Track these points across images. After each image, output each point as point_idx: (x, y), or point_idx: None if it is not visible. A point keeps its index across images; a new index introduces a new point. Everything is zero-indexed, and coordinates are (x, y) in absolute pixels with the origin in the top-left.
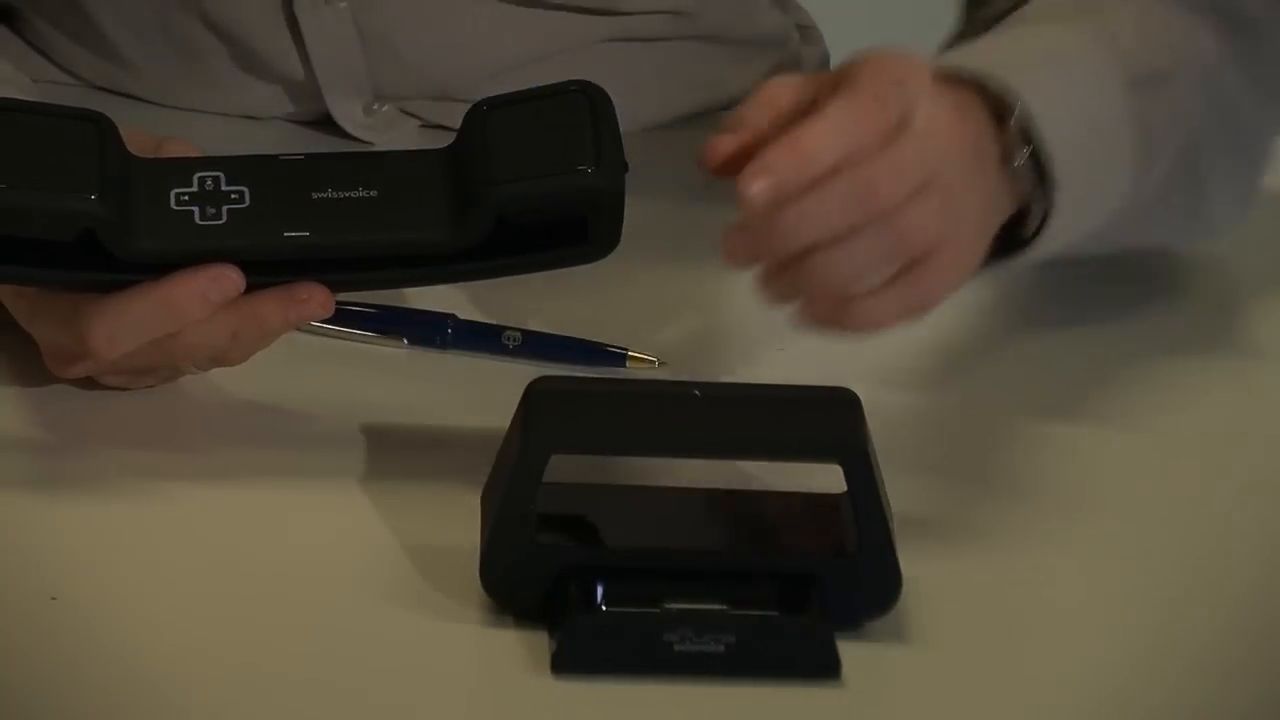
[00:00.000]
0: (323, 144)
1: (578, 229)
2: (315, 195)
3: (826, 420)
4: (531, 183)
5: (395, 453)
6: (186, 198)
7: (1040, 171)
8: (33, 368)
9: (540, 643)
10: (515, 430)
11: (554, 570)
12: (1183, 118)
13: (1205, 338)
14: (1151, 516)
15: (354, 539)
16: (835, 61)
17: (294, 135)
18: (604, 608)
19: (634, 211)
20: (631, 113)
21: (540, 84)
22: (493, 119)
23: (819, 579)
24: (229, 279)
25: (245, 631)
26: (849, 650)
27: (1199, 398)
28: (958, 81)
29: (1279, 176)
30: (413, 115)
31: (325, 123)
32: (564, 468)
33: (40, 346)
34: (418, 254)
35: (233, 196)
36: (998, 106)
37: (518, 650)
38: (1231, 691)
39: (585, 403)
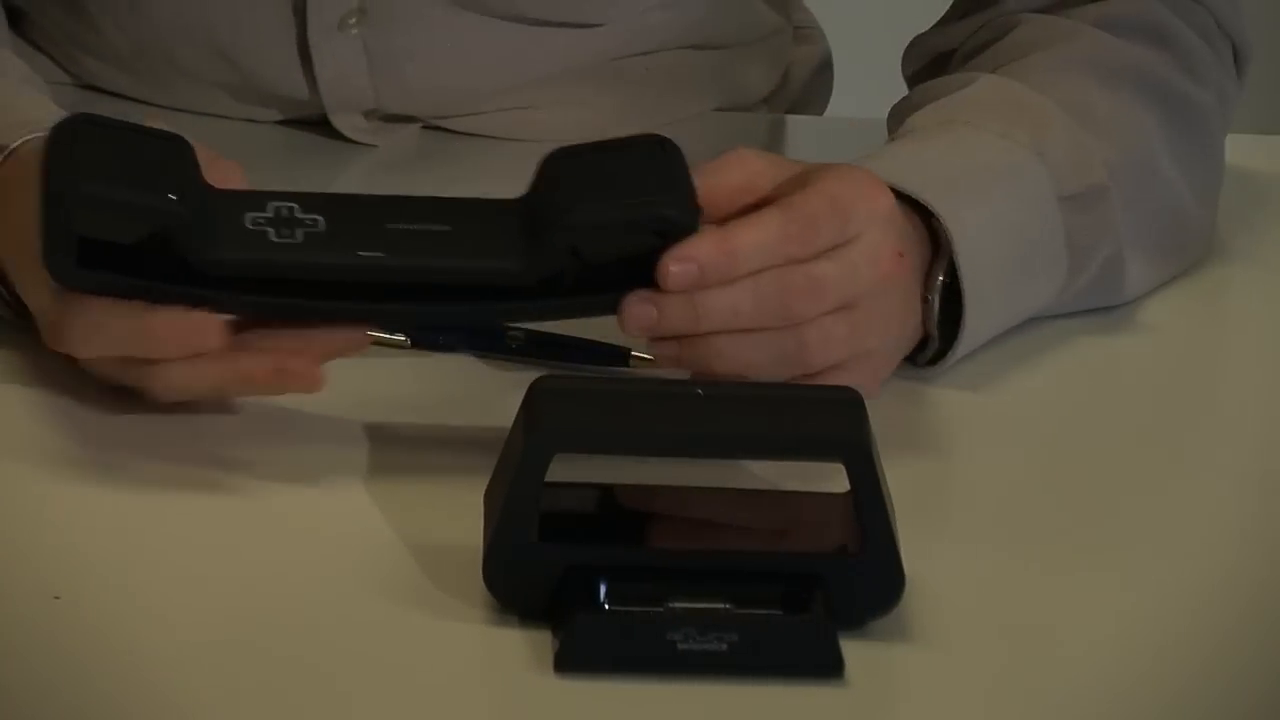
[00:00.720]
0: (322, 147)
1: (646, 272)
2: (389, 225)
3: (829, 419)
4: (606, 208)
5: (398, 452)
6: (262, 221)
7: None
8: (33, 364)
9: (544, 642)
10: (518, 430)
11: (557, 569)
12: (1112, 227)
13: (1209, 341)
14: (1156, 515)
15: (357, 538)
16: (838, 61)
17: (292, 138)
18: (607, 606)
19: None
20: (635, 122)
21: (546, 101)
22: (567, 164)
23: (822, 578)
24: (209, 332)
25: (248, 630)
26: (852, 649)
27: (1209, 401)
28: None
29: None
30: (413, 118)
31: (322, 124)
32: (567, 466)
33: (35, 316)
34: (493, 285)
35: (308, 223)
36: (932, 232)
37: (521, 649)
38: (1235, 690)
39: (588, 402)
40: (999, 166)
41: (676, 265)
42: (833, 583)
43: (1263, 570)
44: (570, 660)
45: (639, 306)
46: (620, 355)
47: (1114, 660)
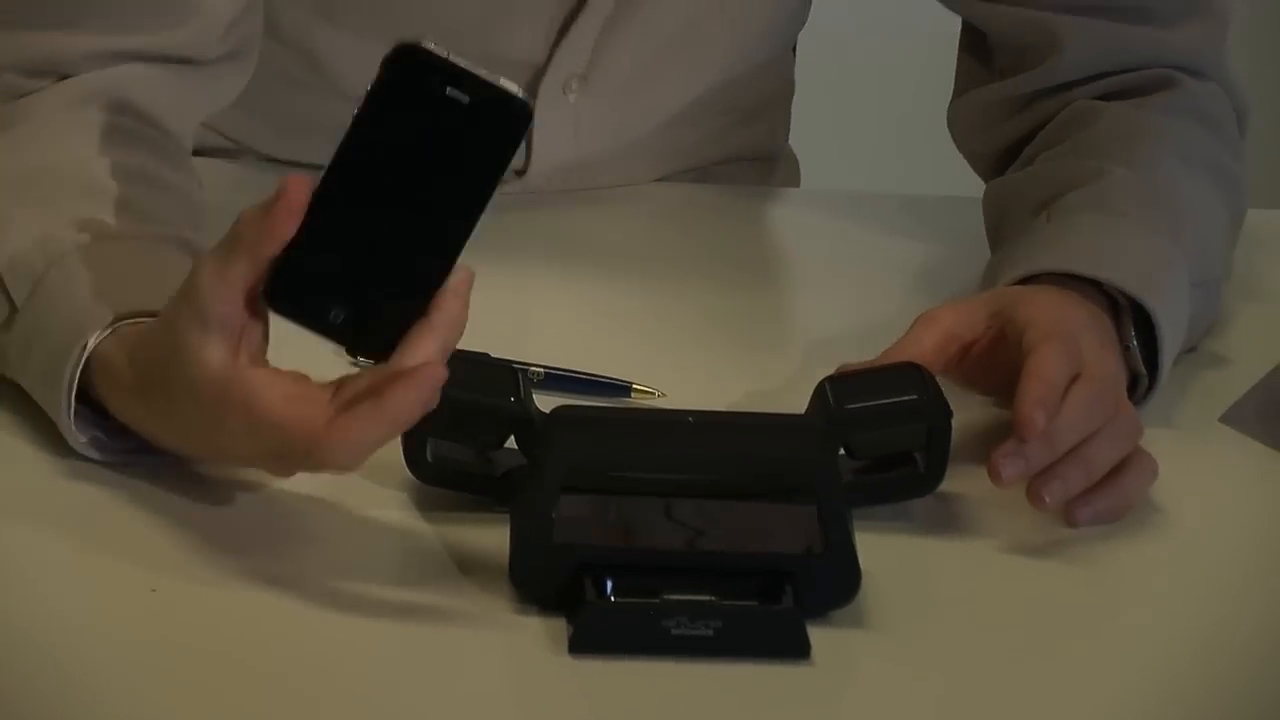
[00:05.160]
0: None
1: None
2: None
3: (799, 442)
4: (873, 405)
5: None
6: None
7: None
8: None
9: (559, 628)
10: (540, 449)
11: (571, 567)
12: (1217, 306)
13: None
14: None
15: (402, 541)
16: (804, 166)
17: None
18: (613, 598)
19: (637, 251)
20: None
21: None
22: (835, 385)
23: (792, 575)
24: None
25: (307, 613)
26: (817, 635)
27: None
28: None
29: None
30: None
31: None
32: (580, 480)
33: (243, 460)
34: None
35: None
36: (1115, 305)
37: (540, 634)
38: (1206, 679)
39: (598, 427)
40: (1165, 258)
41: (1039, 414)
42: (800, 579)
43: (1231, 556)
44: (582, 643)
45: (1011, 460)
46: (624, 388)
47: (1047, 641)
